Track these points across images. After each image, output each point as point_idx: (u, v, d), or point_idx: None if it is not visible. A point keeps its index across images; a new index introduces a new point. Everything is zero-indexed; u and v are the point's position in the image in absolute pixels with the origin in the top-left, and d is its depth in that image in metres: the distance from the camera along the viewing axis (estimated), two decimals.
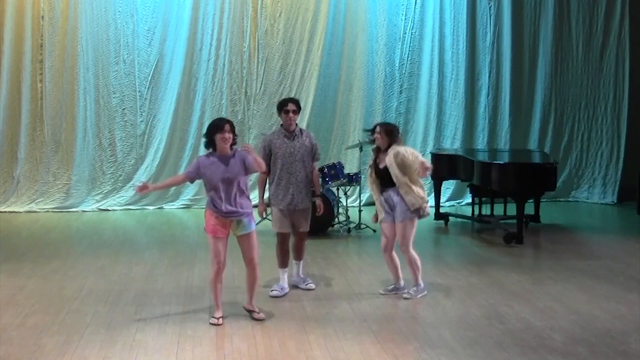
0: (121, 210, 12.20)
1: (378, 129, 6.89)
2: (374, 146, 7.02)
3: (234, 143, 6.12)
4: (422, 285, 7.02)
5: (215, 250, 6.11)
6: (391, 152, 6.80)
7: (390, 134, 6.86)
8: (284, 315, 6.42)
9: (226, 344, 5.70)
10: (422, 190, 6.89)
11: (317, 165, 7.39)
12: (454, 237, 10.39)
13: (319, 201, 7.27)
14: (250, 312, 6.36)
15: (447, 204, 12.75)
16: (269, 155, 7.01)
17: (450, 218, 11.23)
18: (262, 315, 6.31)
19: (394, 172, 6.77)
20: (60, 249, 9.20)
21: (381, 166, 6.90)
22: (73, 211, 12.00)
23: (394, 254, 7.04)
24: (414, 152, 6.88)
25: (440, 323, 6.22)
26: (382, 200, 6.94)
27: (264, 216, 7.26)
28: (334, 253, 9.04)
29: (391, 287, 7.14)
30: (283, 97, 12.44)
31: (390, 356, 5.44)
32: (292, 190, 7.00)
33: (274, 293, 7.02)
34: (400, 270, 7.06)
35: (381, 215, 6.97)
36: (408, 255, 6.92)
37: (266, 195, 7.23)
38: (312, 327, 6.07)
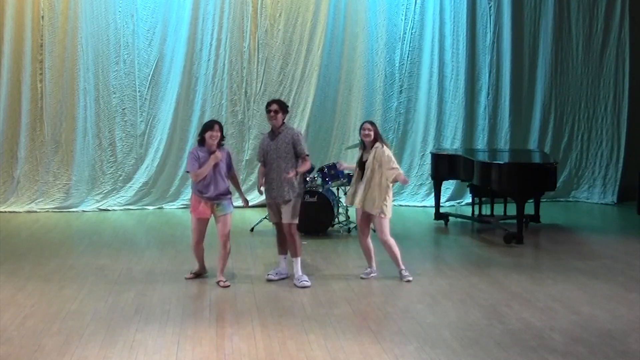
0: (121, 210, 12.20)
1: (369, 125, 7.57)
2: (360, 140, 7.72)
3: (220, 142, 7.29)
4: (403, 267, 7.67)
5: (197, 230, 7.35)
6: (374, 150, 7.48)
7: (377, 133, 7.60)
8: (284, 315, 6.42)
9: (226, 344, 5.70)
10: (387, 197, 7.49)
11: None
12: (454, 237, 10.38)
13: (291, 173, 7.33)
14: (218, 281, 7.32)
15: (447, 204, 12.75)
16: (261, 152, 7.61)
17: (450, 218, 11.23)
18: (228, 283, 7.29)
19: (369, 169, 7.45)
20: (60, 249, 9.20)
21: (364, 159, 7.57)
22: (73, 211, 12.00)
23: (369, 240, 7.68)
24: (391, 158, 7.51)
25: (440, 323, 6.22)
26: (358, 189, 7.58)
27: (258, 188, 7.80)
28: (334, 253, 9.04)
29: (367, 270, 7.74)
30: (283, 97, 12.58)
31: (390, 356, 5.44)
32: (273, 185, 7.44)
33: (269, 277, 7.56)
34: (373, 255, 7.74)
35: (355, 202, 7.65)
36: (385, 243, 7.60)
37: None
38: (312, 327, 6.07)
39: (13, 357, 5.39)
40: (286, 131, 7.47)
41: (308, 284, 7.31)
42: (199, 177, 7.15)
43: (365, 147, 7.61)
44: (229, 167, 7.40)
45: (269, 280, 7.51)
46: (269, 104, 7.56)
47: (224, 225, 7.29)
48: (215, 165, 7.18)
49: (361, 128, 7.61)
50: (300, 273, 7.39)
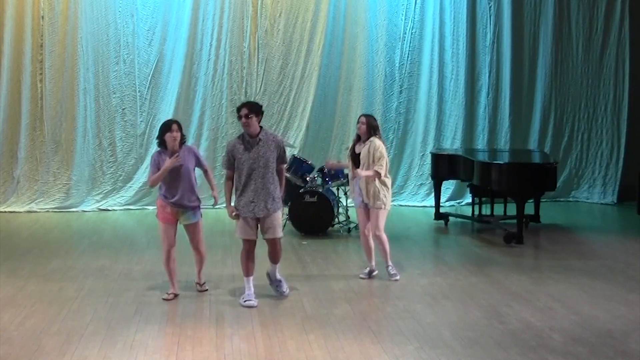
0: (121, 210, 12.20)
1: (363, 119, 7.53)
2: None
3: (182, 141, 6.79)
4: (391, 264, 7.66)
5: (165, 235, 6.87)
6: (369, 143, 7.41)
7: (372, 127, 7.48)
8: (284, 315, 6.42)
9: (226, 344, 5.70)
10: (386, 189, 7.47)
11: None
12: (454, 237, 10.38)
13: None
14: (196, 284, 7.22)
15: (447, 204, 12.74)
16: (232, 161, 6.66)
17: (450, 218, 11.23)
18: (205, 286, 7.17)
19: (364, 163, 7.40)
20: (60, 249, 9.20)
21: (357, 151, 7.51)
22: (73, 211, 12.00)
23: (370, 238, 7.61)
24: (384, 153, 7.40)
25: (440, 323, 6.23)
26: (354, 184, 7.62)
27: (233, 216, 6.79)
28: (334, 253, 9.04)
29: (367, 270, 7.70)
30: (283, 97, 12.61)
31: (390, 356, 5.45)
32: (253, 198, 6.59)
33: (249, 303, 6.65)
34: (373, 253, 7.67)
35: (354, 199, 7.69)
36: (378, 238, 7.52)
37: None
38: (312, 327, 6.07)
39: (13, 357, 5.39)
40: (267, 137, 6.61)
41: (286, 292, 6.93)
42: (154, 184, 6.80)
43: (359, 139, 7.56)
44: (198, 163, 6.88)
45: (249, 307, 6.69)
46: (238, 109, 6.63)
47: (193, 234, 6.96)
48: (177, 169, 6.65)
49: (358, 120, 7.63)
50: (279, 278, 6.99)
